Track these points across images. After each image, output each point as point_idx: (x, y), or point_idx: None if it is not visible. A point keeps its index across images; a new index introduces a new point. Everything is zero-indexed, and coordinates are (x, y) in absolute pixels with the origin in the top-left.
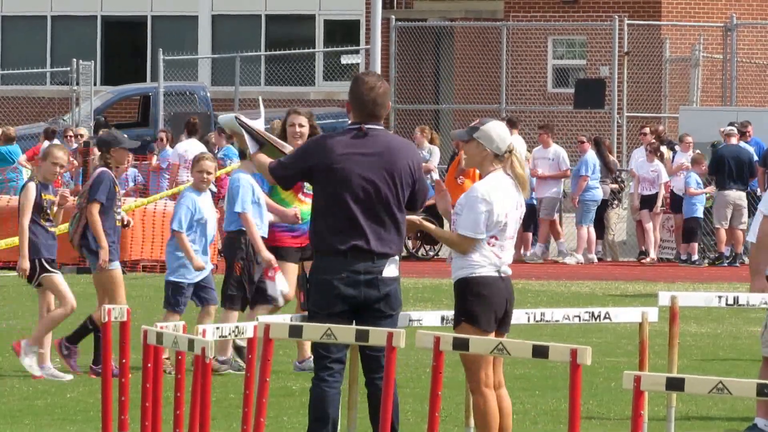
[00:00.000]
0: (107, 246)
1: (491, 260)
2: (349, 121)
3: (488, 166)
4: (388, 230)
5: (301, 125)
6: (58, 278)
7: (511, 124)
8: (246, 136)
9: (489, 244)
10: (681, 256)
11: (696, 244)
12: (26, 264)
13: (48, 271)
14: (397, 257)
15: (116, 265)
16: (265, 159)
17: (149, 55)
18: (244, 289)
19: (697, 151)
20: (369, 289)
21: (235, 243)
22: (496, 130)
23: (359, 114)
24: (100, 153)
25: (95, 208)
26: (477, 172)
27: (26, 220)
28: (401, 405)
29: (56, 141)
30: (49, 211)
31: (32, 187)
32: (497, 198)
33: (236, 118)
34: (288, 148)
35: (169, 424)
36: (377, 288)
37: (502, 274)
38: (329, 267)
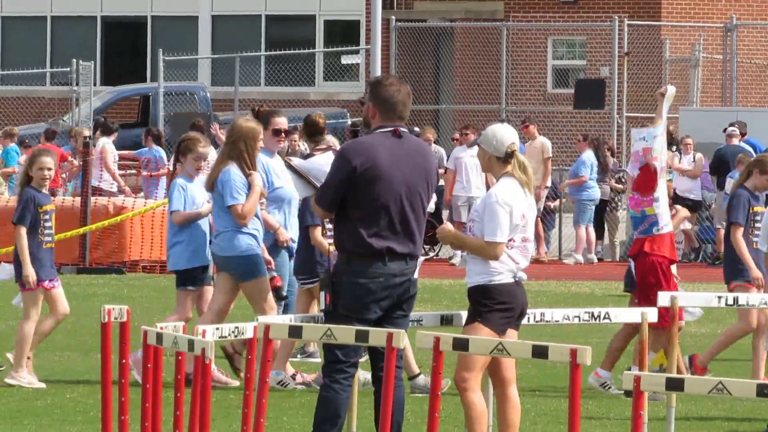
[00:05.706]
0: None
1: (509, 266)
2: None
3: (498, 170)
4: (420, 232)
5: None
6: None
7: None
8: (294, 177)
9: (507, 247)
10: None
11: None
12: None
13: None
14: (421, 258)
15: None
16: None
17: (149, 56)
18: None
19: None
20: (402, 291)
21: None
22: (495, 133)
23: (388, 116)
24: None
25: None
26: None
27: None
28: None
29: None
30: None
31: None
32: (514, 200)
33: (285, 161)
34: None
35: (169, 425)
36: (409, 290)
37: (519, 280)
38: (365, 270)
